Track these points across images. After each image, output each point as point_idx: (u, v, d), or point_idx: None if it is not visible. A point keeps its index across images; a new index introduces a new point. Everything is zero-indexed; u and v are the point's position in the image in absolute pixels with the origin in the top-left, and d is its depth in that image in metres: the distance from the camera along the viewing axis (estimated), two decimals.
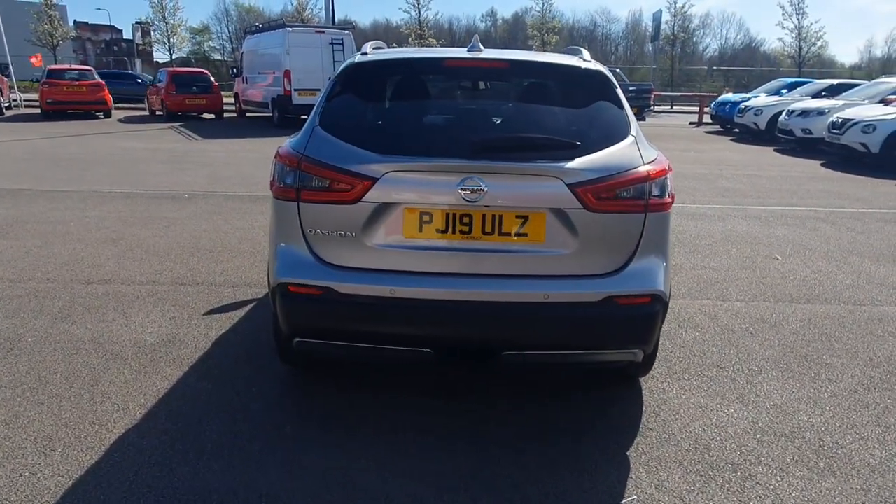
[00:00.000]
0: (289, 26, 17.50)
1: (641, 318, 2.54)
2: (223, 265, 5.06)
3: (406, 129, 2.74)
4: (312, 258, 2.60)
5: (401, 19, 49.43)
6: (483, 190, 2.43)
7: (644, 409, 3.03)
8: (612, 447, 2.72)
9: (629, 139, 2.62)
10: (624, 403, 3.08)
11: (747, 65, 61.93)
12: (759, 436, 2.82)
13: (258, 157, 11.45)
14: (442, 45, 41.17)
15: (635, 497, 2.40)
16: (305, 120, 2.92)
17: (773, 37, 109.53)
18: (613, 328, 2.54)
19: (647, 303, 2.54)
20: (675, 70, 44.19)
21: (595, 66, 2.84)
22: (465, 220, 2.49)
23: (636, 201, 2.51)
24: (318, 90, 17.16)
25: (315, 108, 2.91)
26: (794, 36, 39.77)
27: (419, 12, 39.98)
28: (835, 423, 2.93)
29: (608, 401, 3.10)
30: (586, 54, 3.02)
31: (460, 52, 2.83)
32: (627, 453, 2.67)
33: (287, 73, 16.67)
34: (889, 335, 3.96)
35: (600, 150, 2.54)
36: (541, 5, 41.60)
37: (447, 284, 2.51)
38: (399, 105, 2.92)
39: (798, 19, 39.56)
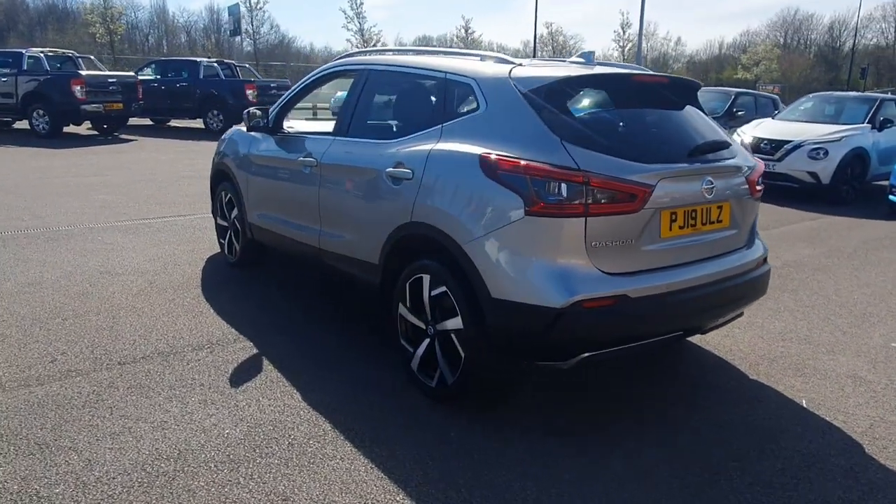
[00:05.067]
0: None
1: (768, 274, 3.35)
2: (125, 328, 3.79)
3: (647, 139, 2.88)
4: (597, 271, 2.59)
5: None
6: (715, 187, 2.87)
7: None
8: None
9: (734, 140, 3.36)
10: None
11: (284, 60, 66.25)
12: None
13: None
14: None
15: (804, 398, 3.26)
16: None
17: (303, 33, 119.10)
18: (762, 284, 3.28)
19: (766, 262, 3.36)
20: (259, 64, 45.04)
21: None
22: (693, 215, 2.87)
23: (760, 189, 3.29)
24: None
25: (517, 123, 2.76)
26: (358, 38, 44.82)
27: None
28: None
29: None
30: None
31: (625, 68, 3.06)
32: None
33: None
34: None
35: (737, 149, 3.22)
36: None
37: (693, 271, 2.86)
38: (615, 116, 2.98)
39: (360, 23, 44.76)
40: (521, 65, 3.01)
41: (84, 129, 15.57)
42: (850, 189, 9.33)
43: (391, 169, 3.16)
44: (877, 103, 10.05)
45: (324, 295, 4.58)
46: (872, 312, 4.64)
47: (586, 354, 2.63)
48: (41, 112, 13.69)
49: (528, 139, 2.68)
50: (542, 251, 2.58)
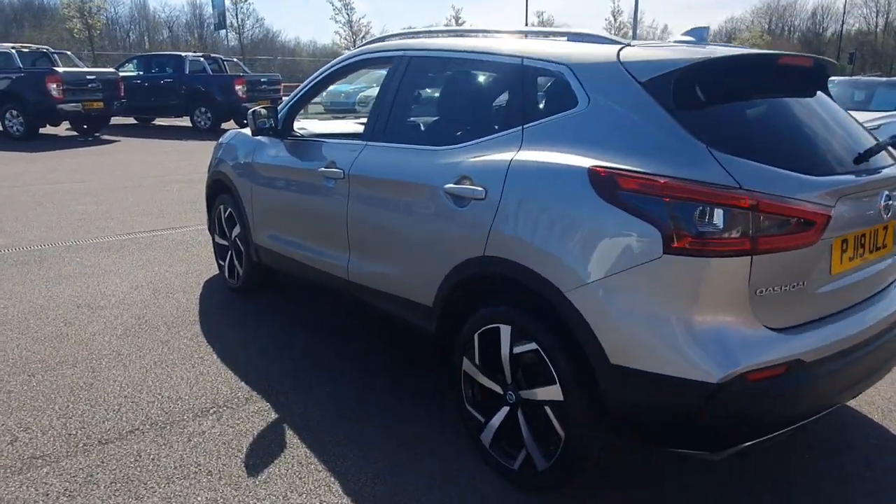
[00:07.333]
0: None
1: None
2: (108, 386, 3.03)
3: (806, 142, 2.15)
4: (763, 328, 1.87)
5: None
6: (891, 205, 2.15)
7: None
8: None
9: None
10: None
11: (270, 54, 65.05)
12: None
13: None
14: None
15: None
16: None
17: (289, 27, 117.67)
18: None
19: None
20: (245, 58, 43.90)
21: None
22: (862, 240, 2.15)
23: None
24: None
25: (639, 124, 2.01)
26: (346, 29, 43.87)
27: None
28: None
29: None
30: None
31: (745, 49, 2.32)
32: None
33: None
34: None
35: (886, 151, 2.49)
36: None
37: (866, 316, 2.14)
38: (762, 111, 2.23)
39: (348, 14, 43.74)
40: (629, 45, 2.27)
41: (63, 129, 14.66)
42: None
43: (452, 185, 2.41)
44: None
45: (350, 329, 3.82)
46: None
47: (748, 444, 1.91)
48: (15, 112, 12.77)
49: (659, 146, 1.94)
50: (687, 303, 1.84)
